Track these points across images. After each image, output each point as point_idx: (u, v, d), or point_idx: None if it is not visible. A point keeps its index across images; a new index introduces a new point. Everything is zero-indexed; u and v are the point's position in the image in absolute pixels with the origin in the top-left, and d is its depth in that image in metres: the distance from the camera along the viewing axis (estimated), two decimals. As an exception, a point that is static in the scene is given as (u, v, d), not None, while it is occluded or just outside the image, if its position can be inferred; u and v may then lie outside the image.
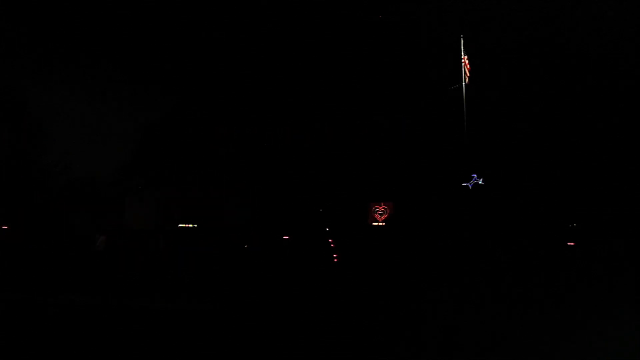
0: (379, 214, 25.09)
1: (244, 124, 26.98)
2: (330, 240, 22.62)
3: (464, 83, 24.33)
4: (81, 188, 25.90)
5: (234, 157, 26.40)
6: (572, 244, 21.46)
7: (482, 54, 25.29)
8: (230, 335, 12.07)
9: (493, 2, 25.23)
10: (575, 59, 25.16)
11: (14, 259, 21.21)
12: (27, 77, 25.66)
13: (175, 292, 17.54)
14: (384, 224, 24.97)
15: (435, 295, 16.22)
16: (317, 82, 26.69)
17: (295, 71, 26.84)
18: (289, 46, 26.96)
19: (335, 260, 21.58)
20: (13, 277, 19.40)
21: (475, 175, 21.29)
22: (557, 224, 23.10)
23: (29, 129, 26.41)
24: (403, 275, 19.35)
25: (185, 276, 19.85)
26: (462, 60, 24.29)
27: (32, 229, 23.72)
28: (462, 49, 24.34)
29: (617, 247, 20.27)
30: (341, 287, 18.12)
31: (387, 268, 20.11)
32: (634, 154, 23.95)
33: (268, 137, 26.74)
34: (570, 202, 23.63)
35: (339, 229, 23.82)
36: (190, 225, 24.26)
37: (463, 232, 21.96)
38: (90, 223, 23.77)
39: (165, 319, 13.82)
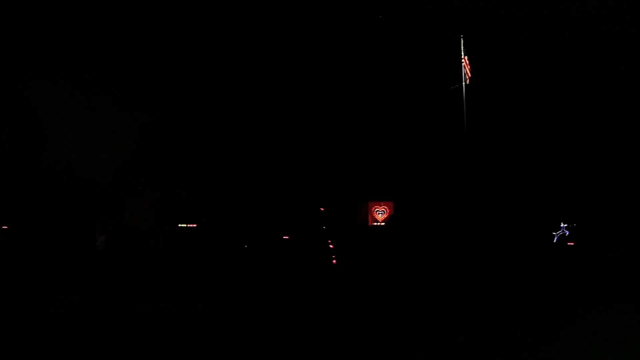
0: (379, 214, 25.10)
1: (244, 124, 26.97)
2: (329, 240, 22.62)
3: (464, 83, 24.34)
4: (81, 188, 25.87)
5: (234, 157, 26.39)
6: (572, 244, 21.48)
7: (482, 54, 25.29)
8: (230, 335, 12.07)
9: (493, 2, 25.23)
10: (575, 59, 25.15)
11: (14, 259, 21.19)
12: (28, 77, 25.64)
13: (175, 292, 17.53)
14: (384, 224, 24.98)
15: (435, 295, 16.22)
16: (317, 82, 26.68)
17: (295, 71, 26.82)
18: (289, 46, 26.95)
19: (335, 260, 21.58)
20: (13, 277, 19.39)
21: (564, 227, 21.27)
22: (556, 223, 23.12)
23: (29, 129, 26.41)
24: (403, 275, 19.35)
25: (185, 276, 19.83)
26: (462, 60, 24.29)
27: (32, 229, 23.71)
28: (462, 49, 24.34)
29: (617, 247, 20.27)
30: (341, 287, 18.11)
31: (387, 268, 20.10)
32: (634, 154, 23.94)
33: (268, 137, 26.73)
34: (570, 202, 23.63)
35: (339, 229, 23.82)
36: (190, 225, 24.26)
37: (463, 232, 21.97)
38: (90, 223, 23.76)
39: (165, 319, 13.82)
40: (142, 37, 26.50)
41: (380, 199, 25.28)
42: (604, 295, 15.22)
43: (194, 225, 24.27)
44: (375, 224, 25.06)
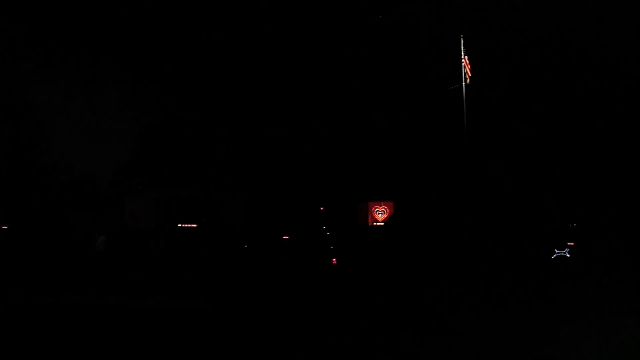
0: (379, 214, 25.10)
1: (244, 124, 26.97)
2: (329, 240, 22.62)
3: (464, 83, 24.34)
4: (81, 188, 25.87)
5: (234, 157, 26.39)
6: (572, 244, 21.49)
7: (482, 54, 25.28)
8: (230, 335, 12.07)
9: (493, 2, 25.22)
10: (575, 59, 25.15)
11: (14, 259, 21.20)
12: (27, 77, 25.65)
13: (175, 292, 17.54)
14: (383, 224, 24.98)
15: (435, 295, 16.23)
16: (317, 82, 26.68)
17: (295, 71, 26.82)
18: (289, 46, 26.95)
19: (335, 260, 21.60)
20: (13, 277, 19.40)
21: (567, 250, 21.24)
22: (557, 224, 23.13)
23: (29, 129, 26.41)
24: (403, 275, 19.36)
25: (185, 276, 19.86)
26: (462, 60, 24.29)
27: (32, 229, 23.71)
28: (462, 49, 24.33)
29: (617, 247, 20.29)
30: (341, 287, 18.12)
31: (387, 268, 20.12)
32: (634, 154, 23.95)
33: (268, 137, 26.73)
34: (570, 202, 23.64)
35: (339, 229, 23.83)
36: (190, 225, 24.27)
37: (463, 232, 21.98)
38: (90, 223, 23.77)
39: (165, 319, 13.82)
40: (142, 37, 26.50)
41: (380, 199, 25.27)
42: (604, 295, 15.23)
43: (194, 225, 24.27)
44: (375, 224, 25.06)
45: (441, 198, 23.86)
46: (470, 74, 24.41)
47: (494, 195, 23.64)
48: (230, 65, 26.89)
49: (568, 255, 21.11)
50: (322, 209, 25.03)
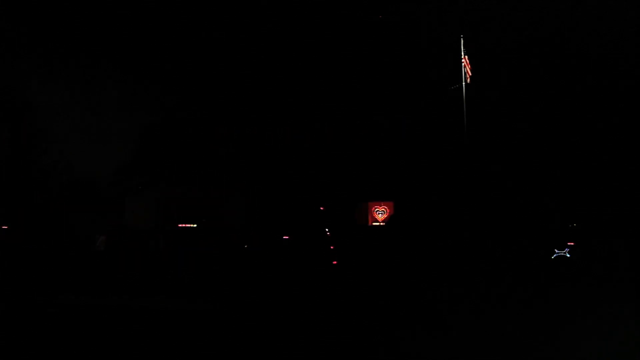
0: (379, 214, 25.11)
1: (244, 124, 26.98)
2: (329, 241, 22.63)
3: (464, 83, 24.35)
4: (81, 188, 25.87)
5: (234, 157, 26.40)
6: (572, 243, 21.51)
7: (482, 54, 25.29)
8: (230, 335, 12.08)
9: (493, 2, 25.24)
10: (575, 59, 25.16)
11: (14, 259, 21.21)
12: (28, 78, 25.65)
13: (175, 292, 17.55)
14: (384, 224, 24.99)
15: (435, 295, 16.23)
16: (317, 82, 26.68)
17: (295, 71, 26.83)
18: (289, 46, 26.96)
19: (335, 260, 21.60)
20: (13, 277, 19.41)
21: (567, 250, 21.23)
22: (557, 224, 23.14)
23: (29, 129, 26.41)
24: (403, 275, 19.37)
25: (185, 276, 19.86)
26: (462, 60, 24.30)
27: (32, 229, 23.71)
28: (462, 49, 24.34)
29: (617, 247, 20.30)
30: (341, 287, 18.13)
31: (387, 268, 20.12)
32: (634, 154, 23.95)
33: (268, 137, 26.74)
34: (570, 202, 23.65)
35: (339, 229, 23.83)
36: (190, 225, 24.27)
37: (463, 232, 21.99)
38: (90, 223, 23.76)
39: (165, 319, 13.83)
40: (142, 37, 26.50)
41: (380, 199, 25.28)
42: (604, 295, 15.24)
43: (194, 225, 24.27)
44: (375, 224, 25.07)
45: (441, 198, 23.87)
46: (470, 74, 24.42)
47: (494, 196, 23.65)
48: (230, 65, 26.90)
49: (568, 255, 21.11)
50: (322, 209, 25.03)
